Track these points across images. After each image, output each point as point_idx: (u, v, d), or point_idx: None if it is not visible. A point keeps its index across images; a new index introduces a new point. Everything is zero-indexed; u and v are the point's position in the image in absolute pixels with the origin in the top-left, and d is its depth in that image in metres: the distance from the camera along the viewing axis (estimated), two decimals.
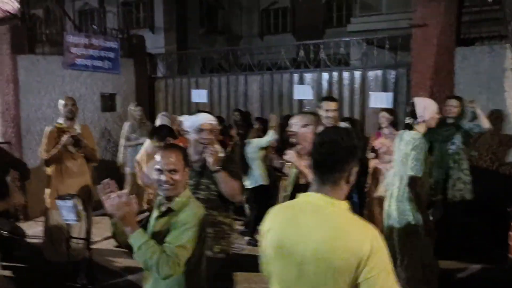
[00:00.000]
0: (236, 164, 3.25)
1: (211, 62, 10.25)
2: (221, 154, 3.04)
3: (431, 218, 3.59)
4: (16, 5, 8.58)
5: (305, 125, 3.14)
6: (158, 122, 5.84)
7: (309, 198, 1.66)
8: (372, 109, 6.62)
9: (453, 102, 5.14)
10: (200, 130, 2.95)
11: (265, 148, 5.92)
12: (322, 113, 4.23)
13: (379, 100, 6.55)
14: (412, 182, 3.47)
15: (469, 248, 4.95)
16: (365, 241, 1.49)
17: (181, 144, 4.38)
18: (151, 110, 8.79)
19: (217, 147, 3.04)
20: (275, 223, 1.70)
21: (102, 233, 6.15)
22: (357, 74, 7.12)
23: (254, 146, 5.89)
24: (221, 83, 8.39)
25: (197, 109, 7.91)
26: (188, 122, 2.98)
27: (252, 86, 8.07)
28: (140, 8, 17.10)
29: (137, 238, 2.10)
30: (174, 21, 16.45)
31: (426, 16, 6.08)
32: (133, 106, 7.04)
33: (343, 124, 5.39)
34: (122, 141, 6.91)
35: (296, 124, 3.26)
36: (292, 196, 3.11)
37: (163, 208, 2.33)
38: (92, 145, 5.05)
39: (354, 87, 7.13)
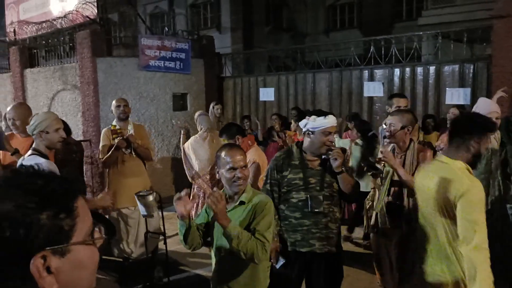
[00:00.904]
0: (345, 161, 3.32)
1: (277, 60, 10.27)
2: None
3: None
4: (95, 11, 9.09)
5: (403, 127, 3.37)
6: (198, 121, 5.80)
7: (438, 158, 2.55)
8: (449, 105, 6.32)
9: None
10: (328, 133, 2.96)
11: None
12: (392, 110, 4.21)
13: (456, 96, 6.25)
14: None
15: None
16: (462, 187, 2.27)
17: (249, 142, 4.45)
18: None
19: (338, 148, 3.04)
20: (419, 175, 2.68)
21: (173, 228, 6.36)
22: (432, 69, 6.82)
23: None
24: (289, 81, 8.37)
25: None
26: (315, 122, 2.95)
27: (321, 84, 7.98)
28: (208, 9, 17.50)
29: (233, 228, 2.28)
30: (240, 21, 16.65)
31: (509, 6, 5.70)
32: (214, 104, 7.27)
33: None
34: None
35: (393, 124, 3.40)
36: (388, 192, 3.49)
37: (233, 202, 2.51)
38: (147, 144, 5.01)
39: (429, 82, 6.84)
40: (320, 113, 3.03)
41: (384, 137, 3.62)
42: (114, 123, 4.86)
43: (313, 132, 2.96)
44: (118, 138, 4.61)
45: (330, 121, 2.96)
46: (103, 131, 4.94)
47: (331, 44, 9.78)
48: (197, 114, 5.96)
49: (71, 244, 0.91)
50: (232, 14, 16.62)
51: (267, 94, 8.40)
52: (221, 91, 9.26)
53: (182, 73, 8.29)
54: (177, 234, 6.10)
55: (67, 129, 5.17)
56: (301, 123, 3.08)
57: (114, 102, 4.95)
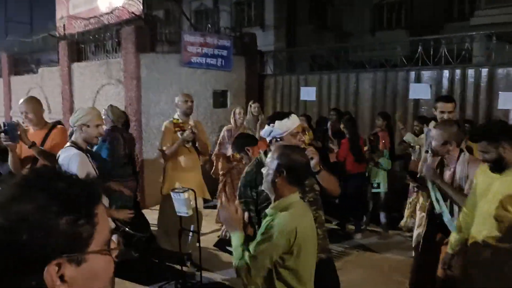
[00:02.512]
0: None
1: (320, 59, 10.09)
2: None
3: None
4: (140, 7, 9.22)
5: (445, 143, 3.15)
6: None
7: None
8: (501, 110, 5.98)
9: None
10: (296, 133, 2.83)
11: None
12: (437, 114, 3.98)
13: (510, 100, 5.87)
14: None
15: None
16: None
17: (261, 150, 4.33)
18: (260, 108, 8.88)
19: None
20: None
21: (210, 225, 6.35)
22: (484, 71, 6.45)
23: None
24: (331, 81, 8.17)
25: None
26: (280, 127, 2.79)
27: (364, 84, 7.74)
28: (252, 7, 17.48)
29: (233, 240, 2.19)
30: (283, 19, 16.54)
31: None
32: (251, 103, 7.24)
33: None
34: None
35: (436, 140, 3.22)
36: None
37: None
38: (205, 140, 5.20)
39: (480, 86, 6.48)
40: (281, 115, 2.85)
41: (429, 146, 3.43)
42: (175, 117, 4.99)
43: (281, 138, 2.79)
44: (189, 131, 4.75)
45: (294, 120, 2.83)
46: (164, 124, 5.06)
47: (377, 43, 9.49)
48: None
49: (88, 252, 0.87)
50: (275, 12, 16.51)
51: (308, 93, 8.23)
52: (262, 89, 9.17)
53: (223, 70, 8.27)
54: (211, 232, 6.13)
55: (127, 123, 5.43)
56: (265, 132, 2.87)
57: (180, 96, 5.04)
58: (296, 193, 2.29)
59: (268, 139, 2.87)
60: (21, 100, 4.15)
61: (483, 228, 2.73)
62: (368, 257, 5.52)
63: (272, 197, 2.28)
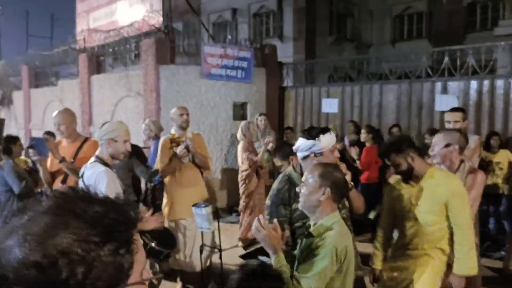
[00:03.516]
0: None
1: (340, 71, 9.95)
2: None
3: None
4: (160, 19, 9.23)
5: (447, 145, 3.17)
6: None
7: None
8: None
9: None
10: (334, 149, 2.74)
11: None
12: (445, 125, 4.03)
13: None
14: None
15: None
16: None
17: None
18: (280, 120, 8.74)
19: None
20: None
21: (229, 240, 6.19)
22: None
23: None
24: (354, 93, 8.01)
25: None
26: (324, 142, 2.67)
27: (388, 96, 7.55)
28: (270, 18, 17.45)
29: (274, 262, 2.07)
30: (303, 30, 16.44)
31: None
32: (257, 115, 7.15)
33: None
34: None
35: (438, 144, 3.24)
36: None
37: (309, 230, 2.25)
38: (204, 153, 4.87)
39: (510, 97, 6.25)
40: (323, 130, 2.73)
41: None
42: (172, 131, 4.72)
43: (321, 153, 2.65)
44: (182, 147, 4.44)
45: (334, 136, 2.77)
46: (162, 139, 4.79)
47: (401, 54, 9.31)
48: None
49: (129, 285, 0.76)
50: (294, 23, 16.43)
51: (330, 105, 8.06)
52: (282, 101, 9.04)
53: (244, 82, 8.17)
54: (233, 247, 5.96)
55: None
56: (303, 146, 2.69)
57: (175, 110, 4.78)
58: (337, 211, 2.25)
59: (304, 154, 2.70)
60: (55, 112, 4.09)
61: (419, 240, 2.88)
62: None
63: (312, 216, 2.21)
